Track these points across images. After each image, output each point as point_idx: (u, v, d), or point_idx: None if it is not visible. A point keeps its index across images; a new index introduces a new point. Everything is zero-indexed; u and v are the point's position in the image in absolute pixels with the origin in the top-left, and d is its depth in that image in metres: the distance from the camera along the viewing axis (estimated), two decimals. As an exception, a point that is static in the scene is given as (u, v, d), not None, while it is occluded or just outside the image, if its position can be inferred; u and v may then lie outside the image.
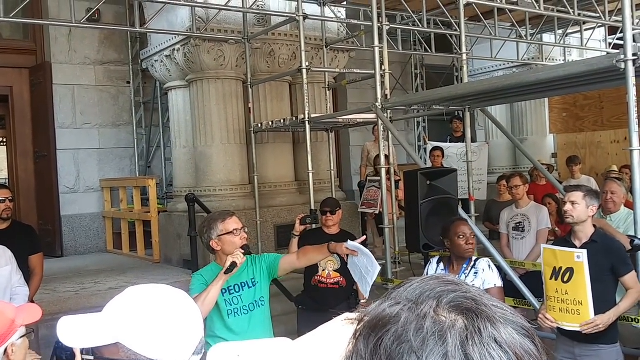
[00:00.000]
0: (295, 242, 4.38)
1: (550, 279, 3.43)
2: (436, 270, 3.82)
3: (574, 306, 3.33)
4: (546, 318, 3.46)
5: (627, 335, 3.72)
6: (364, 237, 3.62)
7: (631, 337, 3.88)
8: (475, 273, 3.67)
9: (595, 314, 3.31)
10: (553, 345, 3.80)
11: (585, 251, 3.34)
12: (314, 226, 5.15)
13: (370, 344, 0.58)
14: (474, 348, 0.55)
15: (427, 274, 3.83)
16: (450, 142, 9.51)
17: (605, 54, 8.15)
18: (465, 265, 3.69)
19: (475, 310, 0.58)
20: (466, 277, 3.67)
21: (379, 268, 3.24)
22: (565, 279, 3.34)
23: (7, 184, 8.64)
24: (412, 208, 4.47)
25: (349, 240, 3.27)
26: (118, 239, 8.94)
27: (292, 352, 0.57)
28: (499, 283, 3.67)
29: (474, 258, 3.75)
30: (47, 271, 4.93)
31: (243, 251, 3.12)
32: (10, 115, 9.21)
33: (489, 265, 3.71)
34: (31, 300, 4.63)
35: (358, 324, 0.61)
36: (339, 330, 0.66)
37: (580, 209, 3.47)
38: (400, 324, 0.58)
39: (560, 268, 3.37)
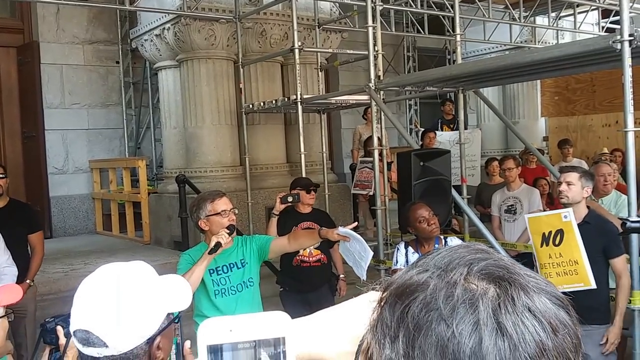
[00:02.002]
0: (274, 221, 4.35)
1: (541, 246, 3.42)
2: (406, 254, 3.81)
3: (570, 267, 3.32)
4: None
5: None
6: (355, 223, 3.64)
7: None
8: None
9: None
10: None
11: (571, 209, 3.35)
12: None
13: (396, 311, 0.55)
14: (506, 316, 0.53)
15: (397, 261, 3.84)
16: (441, 124, 9.48)
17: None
18: (437, 245, 3.75)
19: (507, 279, 0.56)
20: None
21: (371, 253, 3.27)
22: (557, 241, 3.34)
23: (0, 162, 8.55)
24: (405, 189, 4.45)
25: (340, 227, 3.27)
26: (108, 220, 8.88)
27: (295, 327, 0.53)
28: None
29: (442, 237, 3.79)
30: (38, 252, 4.87)
31: (228, 231, 3.10)
32: (-2, 94, 9.07)
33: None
34: (32, 279, 4.61)
35: (384, 292, 0.59)
36: (364, 306, 0.63)
37: (576, 190, 3.47)
38: (428, 291, 0.55)
39: (550, 232, 3.36)
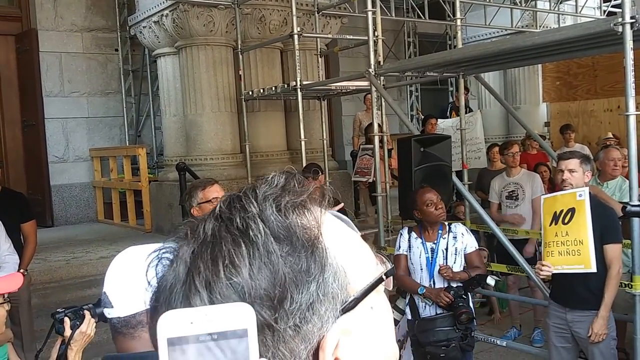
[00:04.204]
0: None
1: (550, 225, 3.40)
2: (409, 239, 3.81)
3: (574, 246, 3.30)
4: (542, 265, 3.42)
5: (617, 302, 3.73)
6: (341, 204, 3.63)
7: (621, 303, 3.90)
8: (455, 237, 3.76)
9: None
10: (545, 311, 3.81)
11: (587, 189, 3.34)
12: None
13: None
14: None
15: (400, 246, 3.84)
16: (451, 110, 9.44)
17: (600, 20, 8.05)
18: (440, 231, 3.75)
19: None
20: (445, 240, 3.71)
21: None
22: (566, 220, 3.32)
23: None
24: (405, 175, 4.44)
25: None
26: (109, 208, 8.88)
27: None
28: (477, 246, 3.89)
29: (446, 223, 3.78)
30: (38, 241, 4.87)
31: None
32: (-3, 83, 9.04)
33: (467, 230, 3.86)
34: (25, 269, 4.60)
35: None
36: None
37: (578, 176, 3.46)
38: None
39: (562, 211, 3.34)
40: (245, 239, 0.55)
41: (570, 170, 3.46)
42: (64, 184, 9.02)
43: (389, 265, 0.63)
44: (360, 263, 0.60)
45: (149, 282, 0.60)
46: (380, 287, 0.61)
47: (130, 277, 1.40)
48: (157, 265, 0.58)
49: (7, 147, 9.06)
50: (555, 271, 3.37)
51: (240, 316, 0.49)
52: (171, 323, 0.49)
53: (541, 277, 3.48)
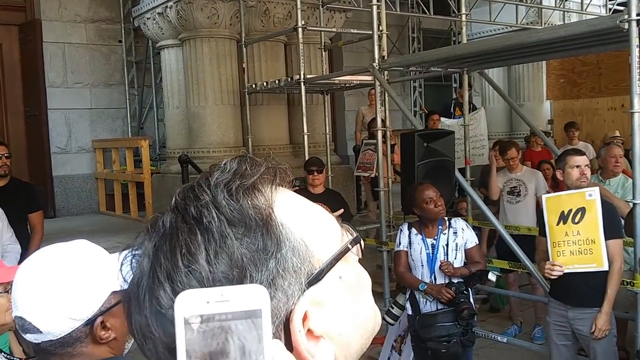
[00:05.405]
0: None
1: (557, 224, 3.39)
2: (409, 236, 3.80)
3: (587, 245, 3.30)
4: (553, 265, 3.40)
5: (618, 299, 3.72)
6: (341, 210, 3.63)
7: (622, 301, 3.89)
8: (455, 233, 3.75)
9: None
10: (545, 309, 3.81)
11: (597, 188, 3.34)
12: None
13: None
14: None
15: (400, 242, 3.83)
16: (454, 106, 9.42)
17: (605, 18, 8.01)
18: (440, 227, 3.73)
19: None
20: (446, 236, 3.70)
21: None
22: (577, 219, 3.31)
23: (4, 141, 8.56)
24: (408, 170, 4.42)
25: None
26: (111, 200, 8.89)
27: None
28: (477, 241, 3.86)
29: (445, 218, 3.77)
30: (39, 231, 4.87)
31: None
32: (0, 73, 9.04)
33: (467, 225, 3.84)
34: None
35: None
36: None
37: (589, 172, 3.49)
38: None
39: (570, 210, 3.33)
40: (200, 226, 0.56)
41: (587, 166, 3.49)
42: (66, 175, 9.02)
43: (355, 234, 0.65)
44: (323, 235, 0.61)
45: (124, 279, 0.61)
46: (351, 257, 0.62)
47: (49, 292, 1.24)
48: (131, 261, 0.60)
49: (10, 137, 9.05)
50: (567, 270, 3.36)
51: (254, 297, 0.50)
52: (187, 302, 0.50)
53: (552, 277, 3.45)
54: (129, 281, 0.60)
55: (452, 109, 9.47)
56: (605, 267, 3.29)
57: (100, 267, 1.30)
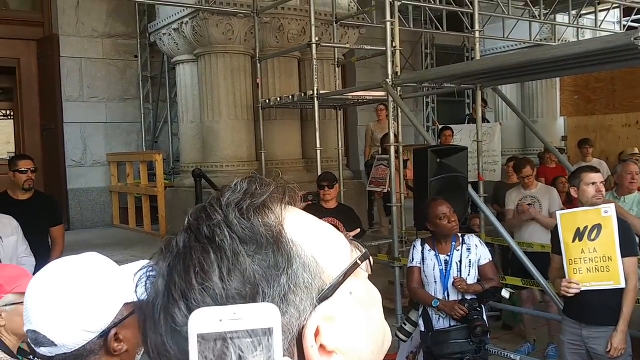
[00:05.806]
0: None
1: (573, 242, 3.36)
2: (422, 252, 3.78)
3: (603, 263, 3.28)
4: (570, 283, 3.37)
5: (634, 318, 3.68)
6: (358, 230, 3.62)
7: (637, 320, 3.84)
8: (469, 249, 3.73)
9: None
10: (559, 327, 3.77)
11: (613, 205, 3.32)
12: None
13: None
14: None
15: (413, 258, 3.81)
16: (468, 121, 9.42)
17: (620, 35, 7.99)
18: (454, 243, 3.71)
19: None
20: (459, 252, 3.68)
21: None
22: (593, 236, 3.29)
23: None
24: (421, 186, 4.42)
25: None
26: (125, 213, 8.94)
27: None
28: (491, 258, 3.85)
29: (459, 234, 3.75)
30: (53, 243, 4.91)
31: None
32: (18, 87, 9.18)
33: (480, 242, 3.82)
34: None
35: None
36: None
37: (604, 189, 3.47)
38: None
39: (586, 227, 3.31)
40: (213, 245, 0.58)
41: (602, 183, 3.48)
42: (81, 188, 9.10)
43: (364, 250, 0.66)
44: (333, 251, 0.63)
45: (139, 299, 0.62)
46: (361, 273, 0.64)
47: (64, 305, 1.24)
48: (145, 282, 0.62)
49: (26, 150, 9.16)
50: (583, 288, 3.34)
51: (266, 315, 0.52)
52: (201, 320, 0.51)
53: (569, 295, 3.41)
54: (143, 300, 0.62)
55: (466, 122, 9.47)
56: (623, 285, 3.26)
57: (111, 279, 1.32)
